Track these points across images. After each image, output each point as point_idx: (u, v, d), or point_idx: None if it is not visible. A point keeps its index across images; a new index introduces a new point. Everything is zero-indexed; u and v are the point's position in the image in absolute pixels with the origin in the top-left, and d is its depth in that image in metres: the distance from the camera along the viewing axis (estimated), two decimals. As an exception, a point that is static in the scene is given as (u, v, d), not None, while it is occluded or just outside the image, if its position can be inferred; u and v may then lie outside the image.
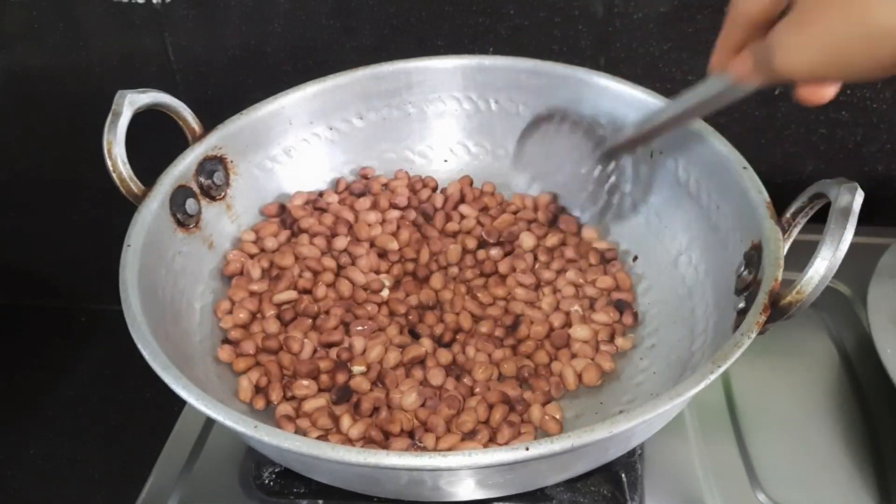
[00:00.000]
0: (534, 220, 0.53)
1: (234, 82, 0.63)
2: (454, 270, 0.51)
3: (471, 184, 0.56)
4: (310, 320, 0.47)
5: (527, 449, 0.31)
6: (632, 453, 0.44)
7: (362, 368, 0.44)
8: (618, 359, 0.46)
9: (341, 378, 0.44)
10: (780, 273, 0.37)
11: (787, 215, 0.40)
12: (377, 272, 0.51)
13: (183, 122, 0.48)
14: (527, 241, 0.51)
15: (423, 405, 0.43)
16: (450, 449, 0.40)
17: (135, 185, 0.44)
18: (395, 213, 0.53)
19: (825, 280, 0.34)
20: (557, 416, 0.43)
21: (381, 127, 0.56)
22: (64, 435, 0.68)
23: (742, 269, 0.40)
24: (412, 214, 0.54)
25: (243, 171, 0.51)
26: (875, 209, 0.44)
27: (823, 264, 0.34)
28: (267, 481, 0.45)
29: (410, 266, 0.51)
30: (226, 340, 0.46)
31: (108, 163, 0.43)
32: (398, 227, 0.53)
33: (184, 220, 0.47)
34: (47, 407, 0.70)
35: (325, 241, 0.51)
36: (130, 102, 0.44)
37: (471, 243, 0.52)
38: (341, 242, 0.51)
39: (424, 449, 0.41)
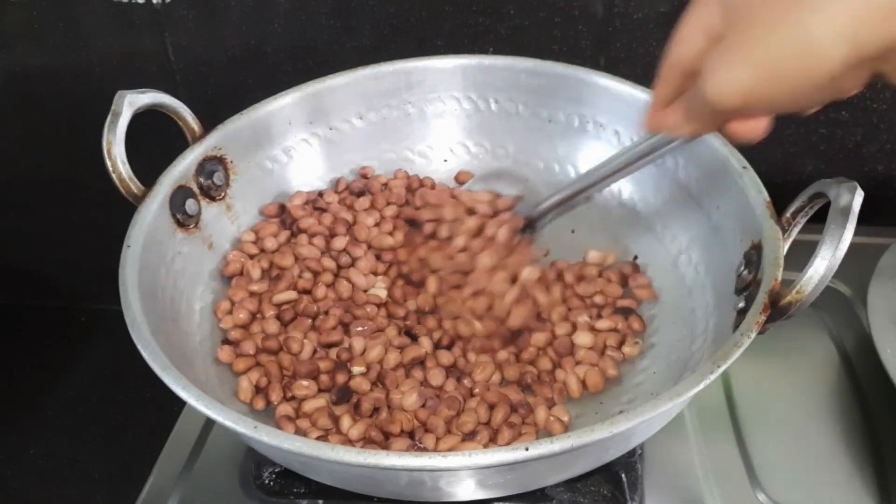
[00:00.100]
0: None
1: (234, 82, 0.63)
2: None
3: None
4: (309, 320, 0.47)
5: (526, 449, 0.31)
6: (632, 453, 0.44)
7: (362, 369, 0.44)
8: (620, 362, 0.46)
9: (341, 378, 0.44)
10: (780, 273, 0.37)
11: (787, 215, 0.40)
12: (375, 273, 0.51)
13: (183, 123, 0.48)
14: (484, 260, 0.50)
15: (423, 406, 0.42)
16: (450, 450, 0.40)
17: (135, 186, 0.44)
18: (391, 211, 0.53)
19: (825, 280, 0.34)
20: (564, 419, 0.42)
21: (380, 127, 0.56)
22: (64, 435, 0.68)
23: (742, 268, 0.40)
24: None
25: (243, 172, 0.51)
26: (875, 209, 0.44)
27: (823, 264, 0.34)
28: (267, 481, 0.45)
29: (405, 269, 0.51)
30: (226, 341, 0.46)
31: (108, 163, 0.43)
32: (394, 228, 0.52)
33: (184, 220, 0.47)
34: (47, 407, 0.70)
35: (325, 241, 0.51)
36: (130, 103, 0.44)
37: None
38: (340, 243, 0.51)
39: (424, 449, 0.41)
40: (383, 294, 0.49)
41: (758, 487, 0.44)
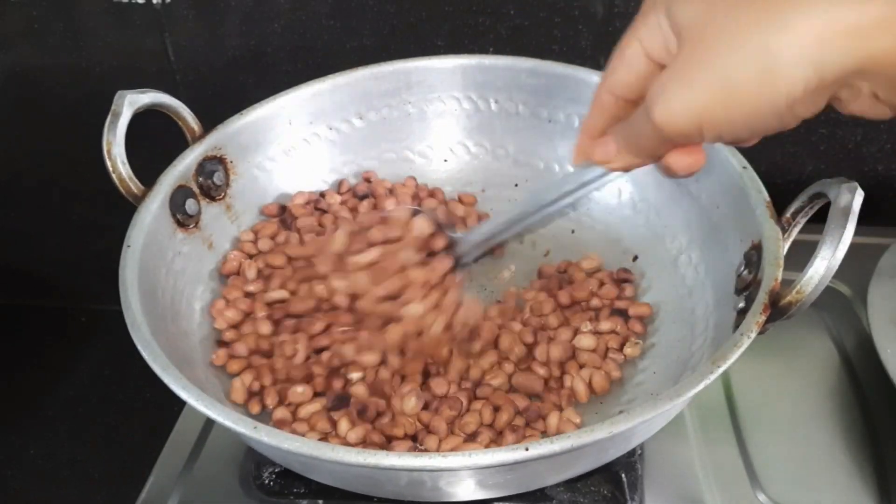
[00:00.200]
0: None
1: (234, 82, 0.63)
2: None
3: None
4: (296, 321, 0.46)
5: (526, 449, 0.31)
6: (632, 453, 0.44)
7: (360, 374, 0.44)
8: (622, 363, 0.46)
9: (337, 384, 0.44)
10: (780, 273, 0.37)
11: (787, 215, 0.40)
12: None
13: (183, 123, 0.48)
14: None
15: (424, 408, 0.42)
16: (452, 450, 0.40)
17: (134, 186, 0.44)
18: None
19: (825, 280, 0.34)
20: (577, 421, 0.42)
21: (381, 127, 0.56)
22: (64, 435, 0.68)
23: (742, 268, 0.40)
24: None
25: (243, 172, 0.51)
26: (875, 209, 0.44)
27: (823, 264, 0.34)
28: (267, 481, 0.45)
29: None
30: (221, 343, 0.46)
31: (108, 163, 0.43)
32: None
33: (184, 220, 0.47)
34: (47, 407, 0.70)
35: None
36: (130, 103, 0.44)
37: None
38: None
39: (425, 450, 0.41)
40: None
41: (758, 487, 0.44)
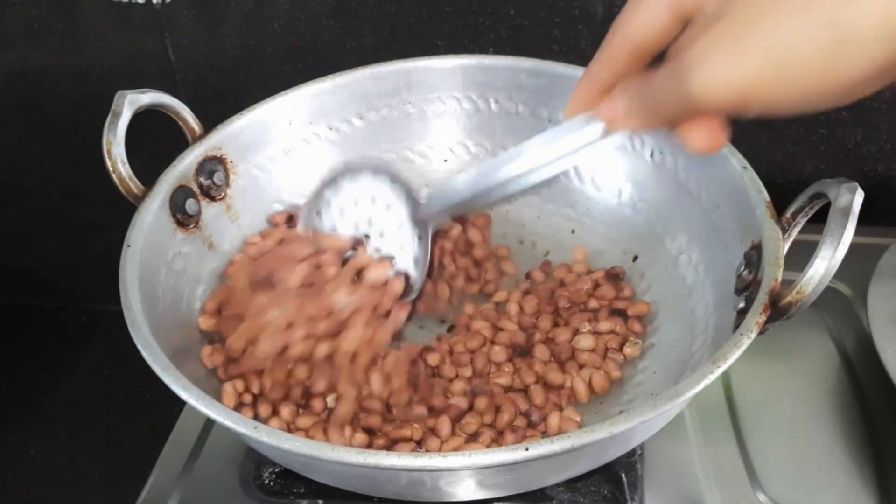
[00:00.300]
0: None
1: (234, 82, 0.63)
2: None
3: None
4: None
5: (526, 449, 0.31)
6: (632, 453, 0.44)
7: (333, 398, 0.43)
8: (622, 363, 0.46)
9: (318, 405, 0.43)
10: (780, 273, 0.37)
11: (787, 215, 0.40)
12: None
13: (183, 123, 0.48)
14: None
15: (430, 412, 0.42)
16: (453, 450, 0.40)
17: (135, 186, 0.44)
18: None
19: (825, 280, 0.34)
20: (577, 419, 0.42)
21: (381, 127, 0.56)
22: (64, 435, 0.68)
23: (742, 268, 0.40)
24: None
25: (243, 172, 0.51)
26: (875, 209, 0.44)
27: (823, 264, 0.34)
28: (267, 481, 0.45)
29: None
30: (212, 341, 0.46)
31: (108, 163, 0.43)
32: None
33: (184, 220, 0.47)
34: (47, 407, 0.70)
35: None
36: (130, 103, 0.44)
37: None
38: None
39: (426, 450, 0.41)
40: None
41: (758, 487, 0.44)
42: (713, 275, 0.44)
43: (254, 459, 0.46)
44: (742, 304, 0.39)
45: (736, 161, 0.43)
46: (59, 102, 0.66)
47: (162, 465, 0.47)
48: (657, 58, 0.28)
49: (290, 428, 0.43)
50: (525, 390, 0.44)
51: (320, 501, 0.43)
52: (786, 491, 0.44)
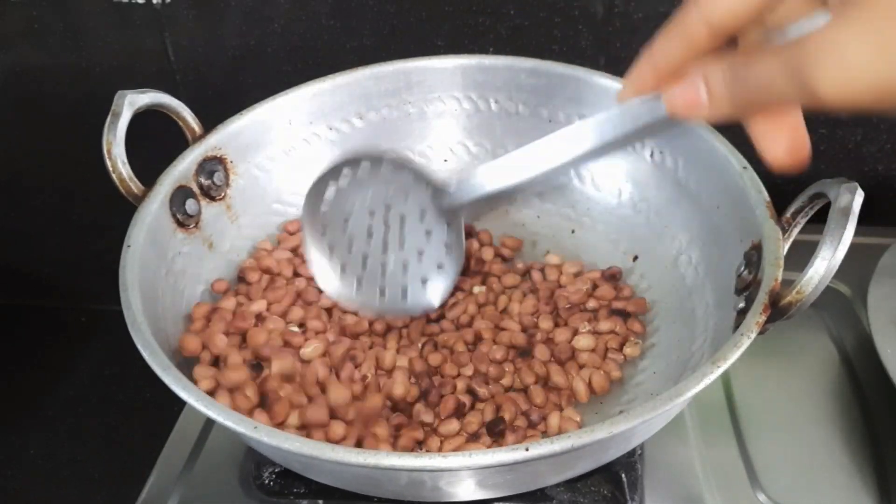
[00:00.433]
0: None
1: (234, 82, 0.63)
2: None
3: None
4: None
5: (526, 449, 0.31)
6: (632, 453, 0.44)
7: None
8: (622, 363, 0.46)
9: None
10: (780, 273, 0.37)
11: (787, 215, 0.40)
12: None
13: (183, 123, 0.48)
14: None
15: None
16: (453, 450, 0.40)
17: (135, 186, 0.44)
18: None
19: (825, 280, 0.34)
20: (577, 419, 0.42)
21: (381, 127, 0.56)
22: (64, 435, 0.68)
23: (742, 269, 0.40)
24: None
25: (243, 172, 0.51)
26: (875, 209, 0.44)
27: (823, 264, 0.34)
28: (267, 481, 0.45)
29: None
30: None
31: (108, 163, 0.43)
32: None
33: (184, 220, 0.47)
34: (47, 407, 0.70)
35: None
36: (130, 103, 0.44)
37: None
38: None
39: (427, 450, 0.41)
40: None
41: (758, 487, 0.44)
42: (713, 275, 0.44)
43: (254, 459, 0.46)
44: (742, 305, 0.39)
45: (736, 161, 0.43)
46: (59, 102, 0.66)
47: (162, 465, 0.47)
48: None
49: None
50: (525, 390, 0.44)
51: (320, 501, 0.43)
52: (786, 491, 0.44)
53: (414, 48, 0.59)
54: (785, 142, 0.24)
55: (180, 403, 0.37)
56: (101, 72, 0.63)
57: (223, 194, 0.50)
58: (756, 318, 0.35)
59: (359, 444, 0.40)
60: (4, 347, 0.74)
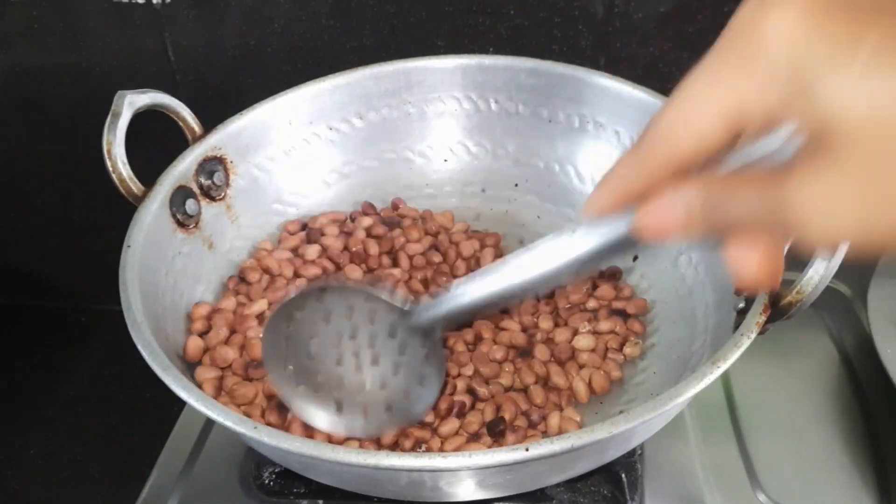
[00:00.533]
0: None
1: (234, 82, 0.63)
2: None
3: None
4: None
5: (526, 450, 0.31)
6: (632, 453, 0.44)
7: None
8: (622, 363, 0.46)
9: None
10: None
11: (788, 215, 0.40)
12: None
13: (183, 123, 0.48)
14: None
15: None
16: (454, 450, 0.40)
17: (135, 186, 0.44)
18: (417, 248, 0.52)
19: (825, 280, 0.34)
20: (577, 419, 0.42)
21: (381, 127, 0.56)
22: (64, 435, 0.68)
23: (742, 269, 0.40)
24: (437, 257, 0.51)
25: (243, 172, 0.51)
26: (875, 209, 0.44)
27: (823, 264, 0.34)
28: (267, 481, 0.45)
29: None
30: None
31: (108, 163, 0.43)
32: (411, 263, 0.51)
33: (184, 220, 0.47)
34: (47, 407, 0.70)
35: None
36: (130, 103, 0.44)
37: None
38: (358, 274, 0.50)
39: (427, 450, 0.41)
40: None
41: (758, 487, 0.44)
42: (713, 275, 0.44)
43: (254, 459, 0.46)
44: (742, 304, 0.39)
45: (736, 161, 0.43)
46: (59, 102, 0.66)
47: (162, 465, 0.47)
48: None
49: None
50: (525, 390, 0.44)
51: (320, 501, 0.43)
52: (786, 491, 0.44)
53: (414, 48, 0.59)
54: (756, 265, 0.22)
55: (180, 403, 0.37)
56: (101, 72, 0.63)
57: (223, 194, 0.50)
58: (756, 318, 0.35)
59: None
60: (4, 347, 0.74)
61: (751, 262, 0.22)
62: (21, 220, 0.75)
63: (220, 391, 0.43)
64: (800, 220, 0.19)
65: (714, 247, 0.23)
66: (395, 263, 0.51)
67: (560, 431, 0.41)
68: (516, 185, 0.56)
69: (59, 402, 0.70)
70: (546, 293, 0.48)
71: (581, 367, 0.45)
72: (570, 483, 0.43)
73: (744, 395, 0.49)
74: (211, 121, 0.49)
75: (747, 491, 0.44)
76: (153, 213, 0.44)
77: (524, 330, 0.47)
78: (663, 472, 0.45)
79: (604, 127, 0.52)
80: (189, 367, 0.44)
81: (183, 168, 0.47)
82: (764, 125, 0.20)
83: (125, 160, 0.44)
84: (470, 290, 0.33)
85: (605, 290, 0.48)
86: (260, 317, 0.46)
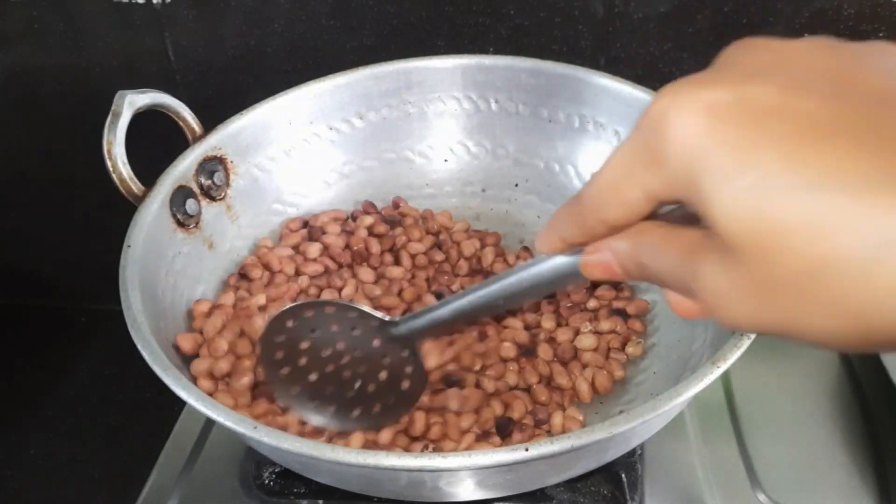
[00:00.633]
0: None
1: (234, 82, 0.63)
2: None
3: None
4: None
5: (526, 450, 0.31)
6: (632, 453, 0.44)
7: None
8: (624, 363, 0.46)
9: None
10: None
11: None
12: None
13: (183, 123, 0.48)
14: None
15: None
16: (465, 449, 0.40)
17: (135, 186, 0.44)
18: (419, 247, 0.52)
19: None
20: (580, 418, 0.42)
21: (381, 127, 0.56)
22: (64, 435, 0.68)
23: (742, 269, 0.40)
24: (439, 256, 0.51)
25: (243, 172, 0.51)
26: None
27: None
28: (267, 481, 0.45)
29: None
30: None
31: (108, 163, 0.43)
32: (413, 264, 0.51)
33: (184, 220, 0.47)
34: (47, 407, 0.70)
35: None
36: (130, 103, 0.44)
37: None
38: (367, 273, 0.50)
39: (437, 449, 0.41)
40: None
41: (758, 487, 0.44)
42: (713, 275, 0.44)
43: (254, 459, 0.46)
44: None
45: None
46: (59, 102, 0.66)
47: (162, 465, 0.47)
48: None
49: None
50: (528, 389, 0.44)
51: (320, 501, 0.43)
52: (786, 491, 0.44)
53: (414, 48, 0.59)
54: (689, 307, 0.23)
55: (180, 403, 0.37)
56: (101, 72, 0.63)
57: (223, 194, 0.50)
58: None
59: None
60: (4, 347, 0.74)
61: (683, 304, 0.23)
62: (21, 220, 0.75)
63: (216, 385, 0.43)
64: (706, 301, 0.21)
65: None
66: (398, 262, 0.51)
67: (563, 431, 0.41)
68: (516, 185, 0.56)
69: (59, 402, 0.70)
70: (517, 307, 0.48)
71: (584, 366, 0.45)
72: (570, 483, 0.43)
73: (744, 395, 0.49)
74: (211, 121, 0.49)
75: (747, 491, 0.44)
76: (153, 213, 0.44)
77: (528, 328, 0.47)
78: (663, 472, 0.45)
79: (604, 127, 0.52)
80: (185, 360, 0.43)
81: (183, 168, 0.47)
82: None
83: (125, 160, 0.44)
84: (444, 308, 0.37)
85: (606, 289, 0.48)
86: (262, 309, 0.46)
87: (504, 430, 0.41)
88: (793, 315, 0.19)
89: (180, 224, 0.47)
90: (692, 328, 0.44)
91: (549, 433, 0.42)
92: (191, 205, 0.47)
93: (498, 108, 0.55)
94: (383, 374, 0.40)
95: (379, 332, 0.40)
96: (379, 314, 0.40)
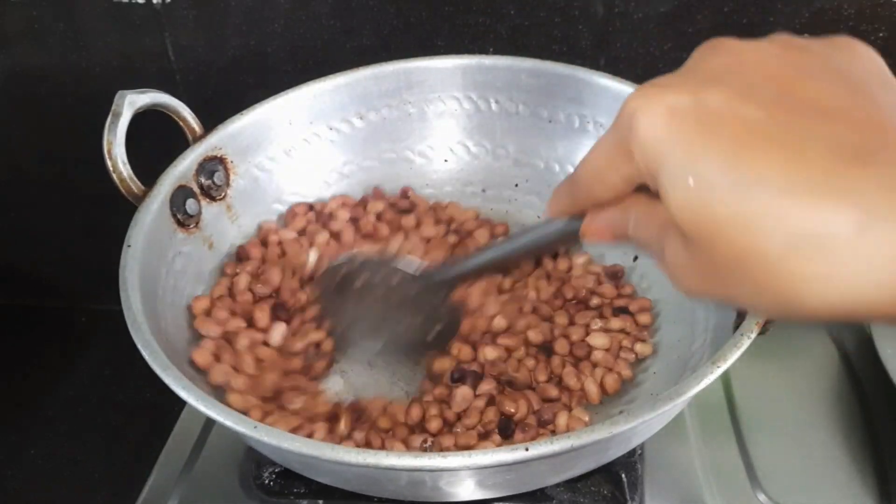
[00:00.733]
0: None
1: (234, 82, 0.63)
2: None
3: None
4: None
5: (526, 449, 0.31)
6: (632, 453, 0.44)
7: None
8: (632, 362, 0.46)
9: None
10: (781, 273, 0.37)
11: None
12: None
13: (183, 123, 0.48)
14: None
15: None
16: (466, 448, 0.40)
17: (135, 186, 0.44)
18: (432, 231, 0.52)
19: (825, 280, 0.34)
20: (585, 419, 0.42)
21: (381, 127, 0.56)
22: (64, 435, 0.68)
23: (742, 268, 0.40)
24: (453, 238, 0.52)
25: (243, 172, 0.51)
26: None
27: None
28: (267, 481, 0.45)
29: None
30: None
31: (108, 163, 0.43)
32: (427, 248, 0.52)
33: (184, 220, 0.47)
34: (47, 407, 0.70)
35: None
36: (130, 103, 0.44)
37: None
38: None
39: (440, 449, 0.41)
40: None
41: (758, 487, 0.44)
42: (713, 275, 0.44)
43: (254, 459, 0.46)
44: (742, 304, 0.39)
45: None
46: (59, 102, 0.66)
47: (162, 465, 0.47)
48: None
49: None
50: (533, 388, 0.44)
51: (320, 501, 0.43)
52: (786, 491, 0.44)
53: (414, 48, 0.59)
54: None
55: (180, 403, 0.37)
56: (101, 72, 0.63)
57: (223, 194, 0.50)
58: (756, 318, 0.35)
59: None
60: (4, 347, 0.74)
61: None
62: (21, 220, 0.75)
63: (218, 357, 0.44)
64: (667, 270, 0.25)
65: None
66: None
67: (569, 431, 0.41)
68: (516, 185, 0.56)
69: (59, 402, 0.70)
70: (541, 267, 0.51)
71: (594, 366, 0.45)
72: (570, 483, 0.43)
73: (744, 395, 0.49)
74: (211, 121, 0.49)
75: (747, 491, 0.44)
76: (153, 213, 0.44)
77: (545, 321, 0.47)
78: (663, 472, 0.45)
79: (604, 127, 0.52)
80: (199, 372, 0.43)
81: (183, 168, 0.47)
82: None
83: (125, 160, 0.44)
84: (476, 259, 0.41)
85: (607, 288, 0.48)
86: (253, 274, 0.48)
87: (506, 431, 0.41)
88: (731, 291, 0.22)
89: (180, 224, 0.47)
90: (692, 328, 0.44)
91: (554, 433, 0.42)
92: (191, 205, 0.47)
93: (498, 108, 0.55)
94: (419, 318, 0.44)
95: (414, 282, 0.43)
96: (413, 266, 0.43)
